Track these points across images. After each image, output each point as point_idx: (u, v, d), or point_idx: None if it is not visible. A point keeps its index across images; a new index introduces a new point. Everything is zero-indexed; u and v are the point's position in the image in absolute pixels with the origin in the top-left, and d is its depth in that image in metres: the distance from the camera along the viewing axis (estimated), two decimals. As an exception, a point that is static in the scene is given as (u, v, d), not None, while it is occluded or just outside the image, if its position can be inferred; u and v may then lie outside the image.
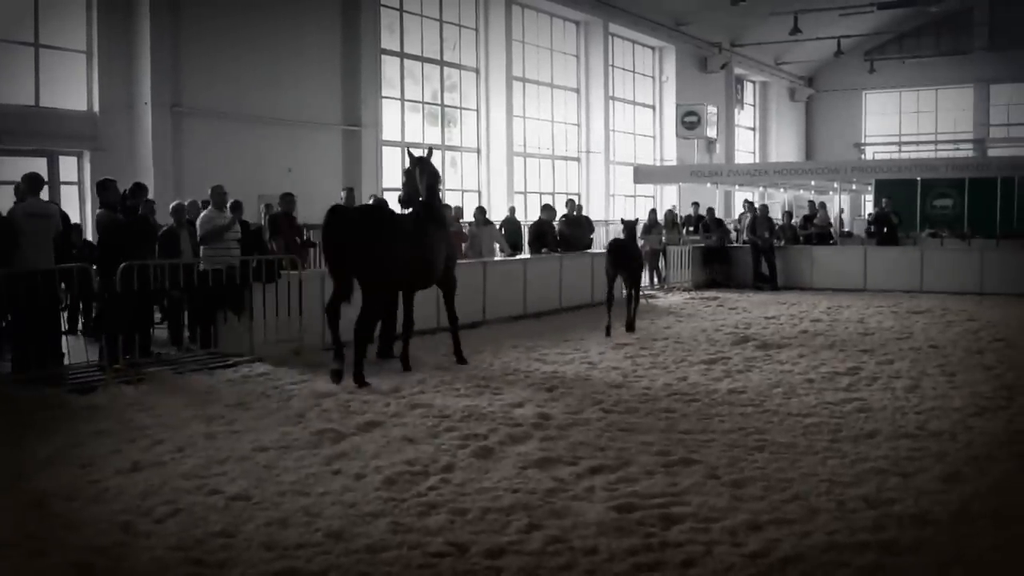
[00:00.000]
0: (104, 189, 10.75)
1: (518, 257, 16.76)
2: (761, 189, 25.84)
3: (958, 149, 37.46)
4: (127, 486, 6.00)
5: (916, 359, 10.98)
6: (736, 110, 36.11)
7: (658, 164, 30.83)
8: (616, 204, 29.06)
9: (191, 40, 16.64)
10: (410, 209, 10.29)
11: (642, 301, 14.73)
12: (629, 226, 14.06)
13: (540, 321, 14.82)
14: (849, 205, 30.79)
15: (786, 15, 29.88)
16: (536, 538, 5.03)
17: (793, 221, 22.88)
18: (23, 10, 14.94)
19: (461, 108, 24.32)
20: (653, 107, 31.89)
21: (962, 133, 39.26)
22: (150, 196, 12.47)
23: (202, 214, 11.37)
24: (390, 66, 21.87)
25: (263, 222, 14.04)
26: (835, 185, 24.83)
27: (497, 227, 17.59)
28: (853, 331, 13.53)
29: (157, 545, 5.00)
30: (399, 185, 11.06)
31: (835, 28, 32.97)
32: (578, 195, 26.08)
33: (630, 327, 13.28)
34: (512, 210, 19.37)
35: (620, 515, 5.36)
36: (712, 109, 31.40)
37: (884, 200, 22.42)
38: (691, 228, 22.25)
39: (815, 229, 22.21)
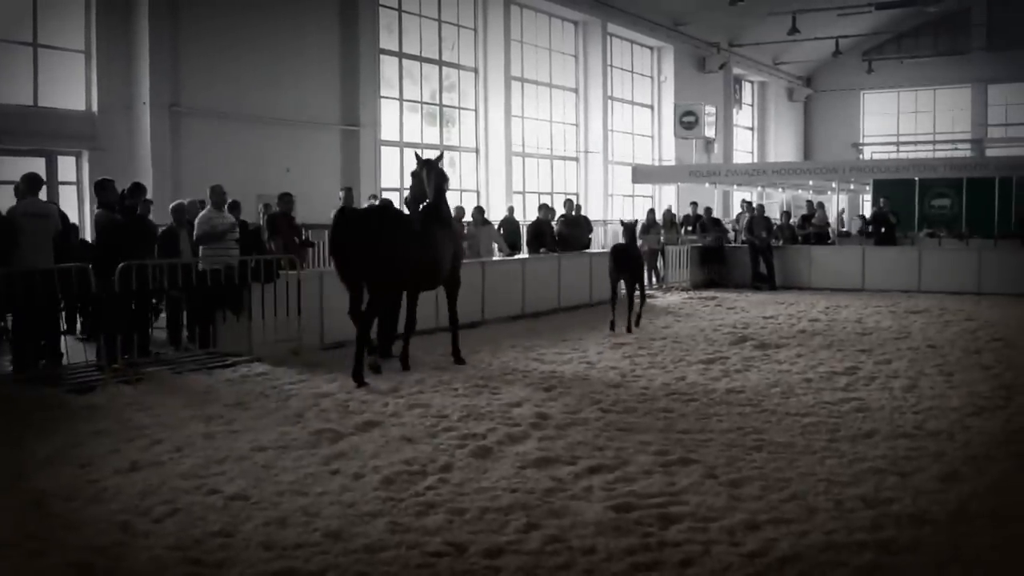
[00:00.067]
0: (102, 189, 10.75)
1: (516, 257, 16.77)
2: (759, 189, 25.86)
3: (956, 149, 37.50)
4: (126, 486, 6.00)
5: (914, 359, 10.99)
6: (734, 110, 36.12)
7: (656, 164, 30.84)
8: (614, 204, 29.08)
9: (190, 40, 16.65)
10: (417, 209, 10.31)
11: (645, 302, 14.77)
12: (629, 228, 14.08)
13: (538, 321, 14.83)
14: (848, 205, 30.79)
15: (784, 15, 29.89)
16: (534, 538, 5.04)
17: (791, 221, 22.90)
18: (22, 10, 14.94)
19: (460, 108, 24.32)
20: (651, 107, 31.91)
21: (960, 133, 39.31)
22: (148, 196, 12.47)
23: (200, 214, 11.36)
24: (389, 66, 21.87)
25: (261, 222, 14.04)
26: (833, 185, 24.86)
27: (496, 227, 17.61)
28: (851, 331, 13.54)
29: (156, 545, 5.00)
30: (398, 185, 11.09)
31: (833, 28, 32.98)
32: (576, 195, 26.12)
33: (630, 327, 13.31)
34: (511, 210, 19.39)
35: (618, 515, 5.37)
36: (710, 109, 31.41)
37: (882, 200, 22.44)
38: (689, 228, 22.26)
39: (813, 229, 22.24)
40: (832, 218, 23.68)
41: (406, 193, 12.10)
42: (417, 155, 10.64)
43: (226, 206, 11.66)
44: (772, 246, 21.04)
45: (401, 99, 22.38)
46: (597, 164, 28.16)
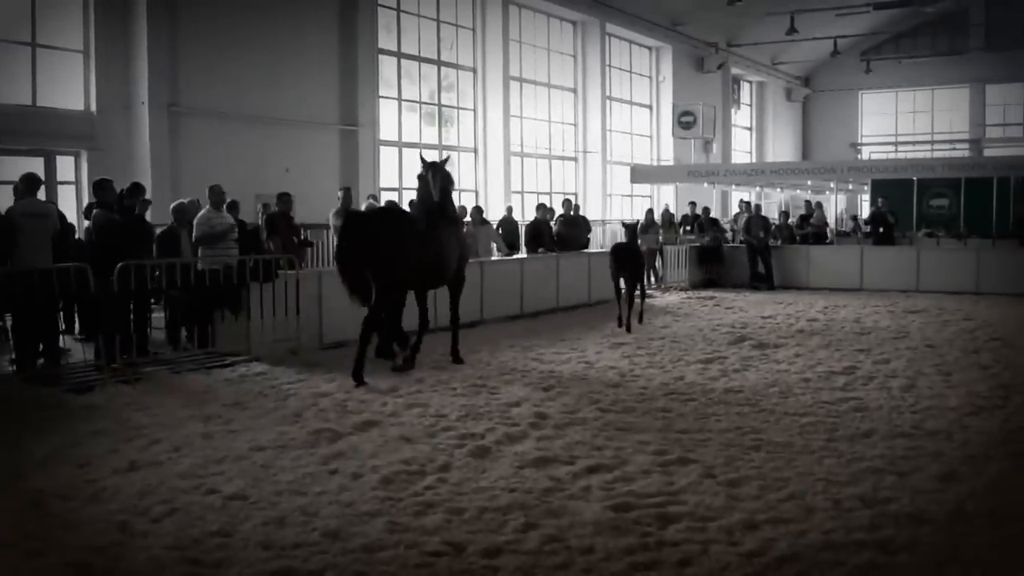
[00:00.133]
0: (101, 189, 10.74)
1: (515, 257, 16.77)
2: (758, 189, 25.88)
3: (954, 149, 37.52)
4: (124, 485, 6.00)
5: (912, 358, 11.00)
6: (733, 110, 36.14)
7: (655, 164, 30.85)
8: (613, 204, 29.09)
9: (188, 40, 16.64)
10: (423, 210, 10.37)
11: (646, 300, 14.84)
12: (631, 228, 14.18)
13: (537, 320, 14.83)
14: (846, 205, 30.83)
15: (782, 15, 29.90)
16: (533, 537, 5.04)
17: (790, 221, 22.91)
18: (20, 10, 14.94)
19: (458, 108, 24.32)
20: (650, 107, 31.91)
21: (958, 133, 39.34)
22: (147, 196, 12.47)
23: (199, 214, 11.36)
24: (387, 66, 21.87)
25: (260, 222, 14.04)
26: (831, 185, 24.87)
27: (494, 227, 17.61)
28: (849, 330, 13.55)
29: (154, 544, 5.00)
30: (397, 185, 11.13)
31: (831, 28, 32.99)
32: (575, 195, 26.11)
33: (630, 327, 13.32)
34: (509, 210, 19.39)
35: (617, 514, 5.37)
36: (709, 109, 31.44)
37: (880, 200, 22.45)
38: (687, 228, 22.27)
39: (811, 229, 22.25)
40: (831, 218, 23.70)
41: (406, 193, 12.11)
42: (423, 158, 10.66)
43: (225, 206, 11.66)
44: (770, 246, 21.06)
45: (400, 99, 22.38)
46: (595, 164, 28.17)
